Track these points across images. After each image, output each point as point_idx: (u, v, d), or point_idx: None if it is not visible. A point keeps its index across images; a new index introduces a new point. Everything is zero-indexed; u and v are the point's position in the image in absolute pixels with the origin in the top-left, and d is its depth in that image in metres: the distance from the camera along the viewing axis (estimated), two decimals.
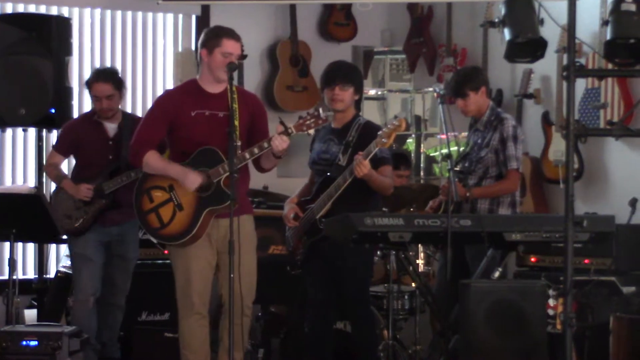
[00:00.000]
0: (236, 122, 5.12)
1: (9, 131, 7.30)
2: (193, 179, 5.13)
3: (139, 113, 7.98)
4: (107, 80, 6.19)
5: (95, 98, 6.22)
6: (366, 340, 5.65)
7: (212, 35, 5.23)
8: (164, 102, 5.37)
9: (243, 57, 5.80)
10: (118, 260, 6.26)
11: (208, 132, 5.09)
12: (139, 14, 8.00)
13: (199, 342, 5.25)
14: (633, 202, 6.45)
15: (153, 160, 5.25)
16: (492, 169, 5.80)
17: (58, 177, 6.28)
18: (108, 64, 7.85)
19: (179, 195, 5.21)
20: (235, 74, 5.15)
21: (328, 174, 5.53)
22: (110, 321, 6.28)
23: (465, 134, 6.21)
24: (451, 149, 5.52)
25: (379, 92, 9.01)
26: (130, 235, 6.27)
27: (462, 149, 6.26)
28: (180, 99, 5.26)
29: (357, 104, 5.77)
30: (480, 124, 5.88)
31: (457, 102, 5.89)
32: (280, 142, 5.09)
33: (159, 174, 5.24)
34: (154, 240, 5.37)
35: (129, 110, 7.93)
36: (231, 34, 5.22)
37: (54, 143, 6.52)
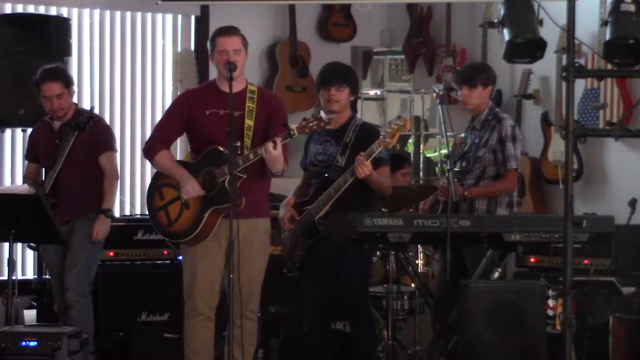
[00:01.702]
0: (250, 122, 5.16)
1: (8, 131, 7.30)
2: (188, 189, 5.14)
3: (138, 113, 7.99)
4: (56, 79, 5.94)
5: (44, 98, 5.95)
6: (365, 340, 5.64)
7: (210, 40, 5.28)
8: (181, 100, 5.44)
9: None
10: (67, 253, 6.01)
11: (222, 131, 5.03)
12: (138, 15, 7.99)
13: (201, 343, 5.23)
14: (632, 203, 6.46)
15: (163, 160, 5.29)
16: (489, 169, 5.79)
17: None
18: (107, 65, 7.86)
19: None
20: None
21: (326, 175, 5.52)
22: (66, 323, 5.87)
23: (462, 135, 6.20)
24: (450, 149, 5.52)
25: (378, 93, 9.01)
26: (78, 227, 6.01)
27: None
28: (196, 98, 5.30)
29: (354, 105, 5.76)
30: (478, 122, 5.86)
31: (462, 90, 5.82)
32: (265, 149, 5.00)
33: (166, 174, 5.28)
34: (166, 239, 5.38)
35: (128, 111, 7.95)
36: (221, 32, 5.24)
37: None
